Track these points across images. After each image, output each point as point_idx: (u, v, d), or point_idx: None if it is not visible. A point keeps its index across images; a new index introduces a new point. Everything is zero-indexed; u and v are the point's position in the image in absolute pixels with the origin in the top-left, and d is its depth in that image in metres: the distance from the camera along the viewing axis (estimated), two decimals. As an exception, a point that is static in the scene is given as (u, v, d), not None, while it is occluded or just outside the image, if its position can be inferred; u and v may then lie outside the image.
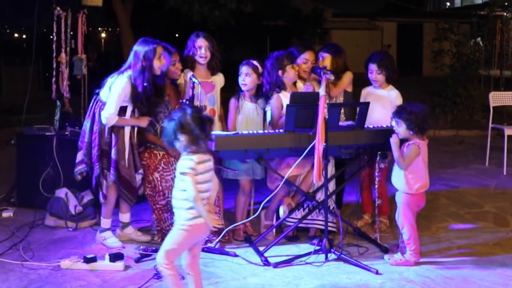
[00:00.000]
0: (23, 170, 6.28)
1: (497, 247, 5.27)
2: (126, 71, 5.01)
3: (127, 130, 5.10)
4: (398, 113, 4.83)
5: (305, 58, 5.61)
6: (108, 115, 4.94)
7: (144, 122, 5.17)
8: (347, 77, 5.76)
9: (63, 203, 5.68)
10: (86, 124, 5.14)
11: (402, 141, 4.84)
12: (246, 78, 5.40)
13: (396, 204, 4.93)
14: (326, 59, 5.73)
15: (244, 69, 5.42)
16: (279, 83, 5.36)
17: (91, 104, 5.16)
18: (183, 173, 3.73)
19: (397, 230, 5.17)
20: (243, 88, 5.45)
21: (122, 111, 5.05)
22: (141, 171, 5.19)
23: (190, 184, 3.70)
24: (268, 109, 5.43)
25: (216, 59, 5.56)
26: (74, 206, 5.68)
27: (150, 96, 5.08)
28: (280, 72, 5.35)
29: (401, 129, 4.79)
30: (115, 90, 4.95)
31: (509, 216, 6.17)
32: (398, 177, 4.86)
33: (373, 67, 5.69)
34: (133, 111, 5.13)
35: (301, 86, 5.56)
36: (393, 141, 4.80)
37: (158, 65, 5.02)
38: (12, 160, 6.52)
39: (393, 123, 4.88)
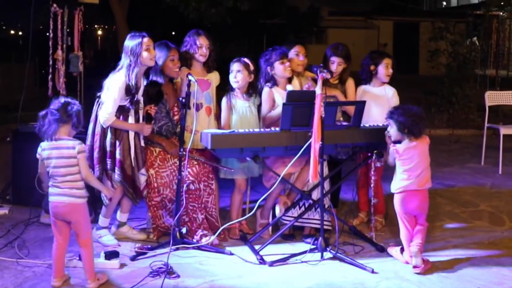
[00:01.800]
0: (18, 167, 6.24)
1: (492, 246, 5.27)
2: (122, 68, 4.99)
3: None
4: (391, 113, 4.84)
5: (296, 51, 5.63)
6: (107, 115, 4.87)
7: (146, 130, 5.10)
8: (352, 88, 5.78)
9: (58, 201, 5.65)
10: (89, 127, 5.10)
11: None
12: (238, 74, 5.39)
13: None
14: (340, 67, 5.71)
15: (235, 66, 5.42)
16: (268, 79, 5.40)
17: (94, 107, 5.12)
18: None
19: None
20: (234, 85, 5.44)
21: (125, 110, 5.01)
22: (143, 171, 5.14)
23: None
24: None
25: (212, 58, 5.56)
26: (69, 203, 5.66)
27: (146, 90, 5.07)
28: (268, 68, 5.38)
29: (392, 130, 4.80)
30: (113, 89, 4.91)
31: (504, 215, 6.18)
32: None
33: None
34: (136, 111, 5.10)
35: (296, 84, 5.56)
36: (387, 139, 4.86)
37: (149, 56, 4.96)
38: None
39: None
